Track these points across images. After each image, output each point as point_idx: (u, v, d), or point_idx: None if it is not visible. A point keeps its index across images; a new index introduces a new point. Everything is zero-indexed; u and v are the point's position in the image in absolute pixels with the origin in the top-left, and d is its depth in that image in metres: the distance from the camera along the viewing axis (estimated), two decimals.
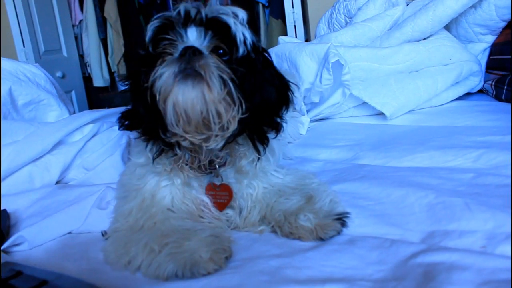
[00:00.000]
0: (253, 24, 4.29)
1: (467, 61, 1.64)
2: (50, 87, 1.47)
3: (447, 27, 1.82)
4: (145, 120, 0.81)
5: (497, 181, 0.90)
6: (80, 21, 4.31)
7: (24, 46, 3.41)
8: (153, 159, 0.84)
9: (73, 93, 3.86)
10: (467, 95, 1.77)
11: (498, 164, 1.00)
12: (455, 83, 1.65)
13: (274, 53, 1.81)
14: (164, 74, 0.74)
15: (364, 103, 1.59)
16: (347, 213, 0.79)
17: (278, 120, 0.85)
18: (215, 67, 0.74)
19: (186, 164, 0.84)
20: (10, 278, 0.59)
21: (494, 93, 1.66)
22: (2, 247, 0.84)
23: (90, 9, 4.21)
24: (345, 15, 2.14)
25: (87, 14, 4.22)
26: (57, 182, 1.17)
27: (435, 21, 1.64)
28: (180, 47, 0.77)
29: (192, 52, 0.75)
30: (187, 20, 0.79)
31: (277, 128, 0.85)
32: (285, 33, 3.47)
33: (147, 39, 0.81)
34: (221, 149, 0.83)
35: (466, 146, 1.12)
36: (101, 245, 0.81)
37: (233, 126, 0.77)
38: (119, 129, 0.88)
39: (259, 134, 0.84)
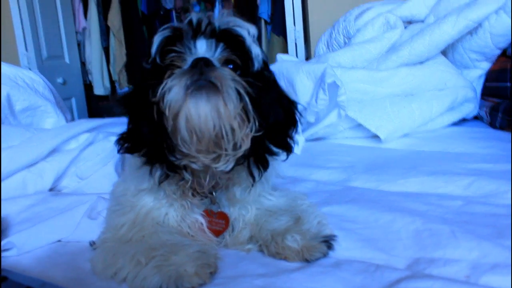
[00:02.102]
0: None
1: (462, 87, 1.66)
2: (48, 94, 1.49)
3: (444, 53, 1.85)
4: (149, 141, 0.75)
5: (485, 210, 0.91)
6: (84, 29, 4.33)
7: (27, 50, 3.43)
8: (159, 183, 0.79)
9: (73, 100, 3.87)
10: (463, 121, 1.79)
11: (488, 193, 1.01)
12: (450, 109, 1.67)
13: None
14: (175, 87, 0.69)
15: (360, 124, 1.61)
16: (334, 235, 0.80)
17: (289, 140, 0.81)
18: (231, 80, 0.70)
19: (189, 191, 0.81)
20: None
21: (489, 120, 1.68)
22: None
23: (94, 17, 4.24)
24: (344, 36, 2.17)
25: (91, 21, 4.25)
26: (50, 190, 1.18)
27: (431, 46, 1.67)
28: (189, 59, 0.72)
29: (204, 64, 0.70)
30: (197, 32, 0.74)
31: (289, 149, 0.81)
32: (286, 50, 3.49)
33: (153, 50, 0.75)
34: (229, 172, 0.76)
35: (457, 173, 1.13)
36: (89, 255, 0.81)
37: (246, 145, 0.72)
38: (118, 152, 0.81)
39: (261, 157, 0.79)
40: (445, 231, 0.79)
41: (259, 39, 4.29)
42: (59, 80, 3.63)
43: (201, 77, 0.69)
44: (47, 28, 3.60)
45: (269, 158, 0.80)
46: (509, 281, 0.64)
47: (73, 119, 1.57)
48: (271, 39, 4.27)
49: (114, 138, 1.30)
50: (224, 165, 0.74)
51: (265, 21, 4.33)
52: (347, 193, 1.09)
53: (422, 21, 1.97)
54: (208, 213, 0.86)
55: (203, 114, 0.68)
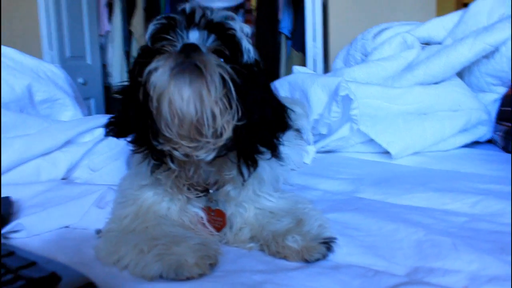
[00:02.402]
0: (274, 54, 4.38)
1: (476, 109, 1.66)
2: (68, 88, 1.53)
3: (460, 75, 1.85)
4: (135, 125, 0.77)
5: (490, 227, 0.91)
6: (107, 32, 4.44)
7: (51, 49, 3.52)
8: (151, 173, 0.82)
9: (92, 100, 3.95)
10: (476, 144, 1.78)
11: (495, 212, 1.00)
12: (463, 130, 1.66)
13: (288, 82, 1.85)
14: (160, 68, 0.70)
15: (371, 140, 1.61)
16: (334, 238, 0.80)
17: (275, 141, 0.83)
18: (217, 65, 0.71)
19: (184, 185, 0.84)
20: (2, 257, 0.62)
21: (502, 144, 1.68)
22: (2, 232, 0.87)
23: (117, 21, 4.35)
24: (361, 53, 2.19)
25: (114, 26, 4.36)
26: (62, 179, 1.20)
27: (447, 67, 1.67)
28: (180, 45, 0.74)
29: (191, 48, 0.72)
30: (190, 23, 0.76)
31: (273, 149, 0.83)
32: (304, 66, 3.53)
33: (146, 36, 0.78)
34: (210, 162, 0.78)
35: (465, 191, 1.13)
36: (94, 242, 0.83)
37: (227, 133, 0.73)
38: (105, 135, 0.84)
39: (249, 154, 0.81)
40: (446, 242, 0.79)
41: (279, 53, 4.35)
42: (80, 80, 3.71)
43: (187, 60, 0.70)
44: (72, 29, 3.70)
45: (259, 157, 0.82)
46: None
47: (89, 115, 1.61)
48: (291, 54, 4.32)
49: None
50: (205, 154, 0.75)
51: (286, 36, 4.38)
52: (353, 202, 1.10)
53: (440, 43, 1.98)
54: (207, 210, 0.88)
55: (185, 96, 0.69)
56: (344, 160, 1.62)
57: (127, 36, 4.44)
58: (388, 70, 1.84)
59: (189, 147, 0.74)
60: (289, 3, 4.25)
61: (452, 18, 2.00)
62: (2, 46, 1.42)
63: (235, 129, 0.74)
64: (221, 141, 0.74)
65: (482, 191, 1.13)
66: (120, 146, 1.29)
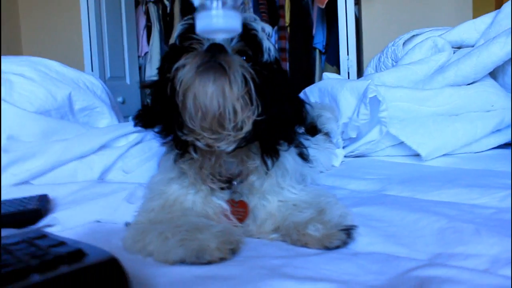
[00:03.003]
0: (309, 69, 4.40)
1: (510, 109, 1.62)
2: (105, 98, 1.62)
3: (494, 76, 1.81)
4: (162, 117, 0.82)
5: None
6: (146, 53, 4.61)
7: (92, 70, 3.70)
8: (175, 161, 0.86)
9: (130, 118, 4.08)
10: (510, 145, 1.73)
11: None
12: (497, 131, 1.62)
13: (318, 88, 1.87)
14: (187, 65, 0.75)
15: (401, 143, 1.60)
16: (355, 226, 0.81)
17: (292, 134, 0.87)
18: (239, 65, 0.76)
19: (208, 176, 0.87)
20: (35, 239, 0.66)
21: None
22: (38, 225, 0.92)
23: (156, 42, 4.52)
24: (392, 59, 2.18)
25: (153, 46, 4.52)
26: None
27: (478, 67, 1.65)
28: (206, 44, 0.80)
29: (217, 49, 0.77)
30: None
31: (290, 141, 0.87)
32: None
33: (175, 35, 0.85)
34: (231, 152, 0.82)
35: (495, 186, 1.10)
36: (123, 234, 0.87)
37: (247, 127, 0.78)
38: (134, 126, 0.91)
39: (270, 145, 0.85)
40: (469, 228, 0.78)
41: (313, 68, 4.35)
42: (119, 99, 3.86)
43: (212, 59, 0.75)
44: (113, 50, 3.88)
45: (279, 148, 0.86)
46: None
47: None
48: (325, 69, 4.33)
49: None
50: (225, 145, 0.79)
51: (320, 51, 4.40)
52: (378, 198, 1.10)
53: (473, 47, 1.95)
54: (231, 202, 0.90)
55: (209, 92, 0.74)
56: (373, 163, 1.61)
57: None
58: (419, 73, 1.82)
59: (210, 138, 0.79)
60: (323, 18, 4.28)
61: (485, 20, 1.97)
62: (46, 59, 1.53)
63: (255, 123, 0.78)
64: (241, 134, 0.78)
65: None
66: (154, 149, 1.34)
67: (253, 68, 0.78)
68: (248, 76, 0.76)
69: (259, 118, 0.78)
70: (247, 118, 0.77)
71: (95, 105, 1.54)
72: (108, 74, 3.84)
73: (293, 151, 0.97)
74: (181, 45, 0.83)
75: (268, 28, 0.86)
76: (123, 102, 3.94)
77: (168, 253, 0.73)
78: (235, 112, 0.76)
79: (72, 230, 0.93)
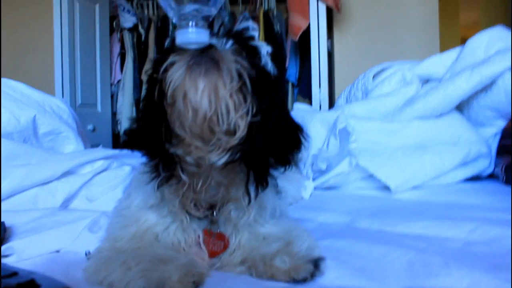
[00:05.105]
0: None
1: (475, 141, 1.66)
2: (72, 122, 1.57)
3: (460, 110, 1.86)
4: (149, 128, 0.77)
5: (488, 250, 0.89)
6: (119, 81, 4.57)
7: (63, 96, 3.63)
8: (158, 187, 0.81)
9: (100, 147, 4.00)
10: (477, 179, 1.76)
11: (493, 237, 0.98)
12: (464, 163, 1.65)
13: None
14: (177, 62, 0.71)
15: (371, 175, 1.60)
16: (323, 258, 0.79)
17: (289, 157, 0.82)
18: (233, 60, 0.72)
19: (191, 202, 0.84)
20: None
21: (504, 177, 1.66)
22: None
23: (129, 70, 4.48)
24: (362, 91, 2.22)
25: (126, 74, 4.49)
26: None
27: (446, 100, 1.69)
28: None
29: (209, 46, 0.73)
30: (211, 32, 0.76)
31: (286, 164, 0.82)
32: None
33: (167, 44, 0.78)
34: (222, 168, 0.77)
35: (463, 219, 1.11)
36: (83, 265, 0.82)
37: (241, 131, 0.72)
38: (121, 144, 0.85)
39: (263, 165, 0.79)
40: (438, 261, 0.78)
41: (285, 100, 4.39)
42: (89, 127, 3.78)
43: (203, 54, 0.71)
44: (85, 77, 3.83)
45: (270, 173, 0.82)
46: None
47: None
48: (298, 101, 4.37)
49: (128, 168, 1.36)
50: (217, 157, 0.74)
51: (292, 84, 4.46)
52: (347, 231, 1.09)
53: (440, 80, 2.01)
54: (207, 233, 0.87)
55: (200, 86, 0.69)
56: (343, 195, 1.61)
57: (138, 84, 4.56)
58: (388, 105, 1.86)
59: (201, 149, 0.74)
60: (296, 52, 4.36)
61: (451, 55, 2.04)
62: (11, 80, 1.48)
63: (249, 127, 0.72)
64: (234, 140, 0.72)
65: (480, 219, 1.11)
66: (120, 178, 1.30)
67: (248, 61, 0.74)
68: (242, 71, 0.71)
69: (253, 120, 0.72)
70: (240, 118, 0.71)
71: (61, 129, 1.49)
72: (79, 101, 3.77)
73: (271, 184, 0.89)
74: (172, 47, 0.76)
75: (266, 47, 0.80)
76: (94, 130, 3.86)
77: (128, 284, 0.70)
78: (227, 111, 0.70)
79: (29, 261, 0.88)
